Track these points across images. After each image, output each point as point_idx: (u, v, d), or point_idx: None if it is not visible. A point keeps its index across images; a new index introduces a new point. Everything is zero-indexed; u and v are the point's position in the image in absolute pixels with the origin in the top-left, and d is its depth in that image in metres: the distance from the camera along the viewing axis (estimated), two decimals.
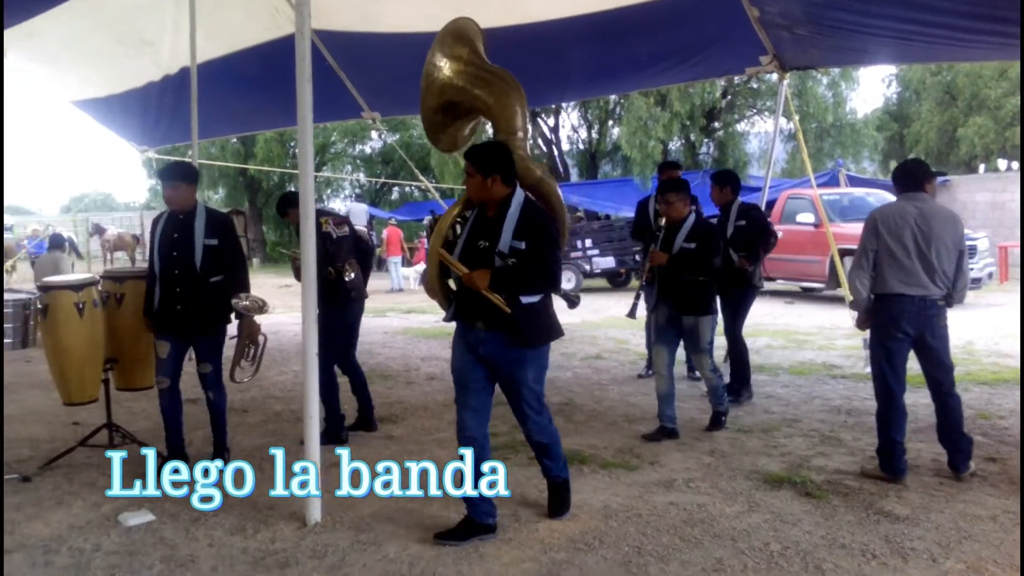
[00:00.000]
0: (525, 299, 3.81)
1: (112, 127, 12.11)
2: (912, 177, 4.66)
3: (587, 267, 17.64)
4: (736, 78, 20.85)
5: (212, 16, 8.12)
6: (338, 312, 5.53)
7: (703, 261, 5.41)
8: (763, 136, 24.62)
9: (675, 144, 24.40)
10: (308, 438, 4.13)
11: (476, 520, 3.94)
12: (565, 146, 28.94)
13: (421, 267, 19.81)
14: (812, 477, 4.73)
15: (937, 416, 4.72)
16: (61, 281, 5.30)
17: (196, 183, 5.08)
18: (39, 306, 5.07)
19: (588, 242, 17.79)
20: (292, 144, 28.42)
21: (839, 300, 11.90)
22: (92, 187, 68.28)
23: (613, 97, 23.77)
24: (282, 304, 14.71)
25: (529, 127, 4.77)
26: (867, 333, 4.86)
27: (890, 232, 4.52)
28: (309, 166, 4.19)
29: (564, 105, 26.06)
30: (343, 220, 5.73)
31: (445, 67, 4.60)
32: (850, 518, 4.12)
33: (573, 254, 17.76)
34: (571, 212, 24.27)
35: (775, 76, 8.37)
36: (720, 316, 6.21)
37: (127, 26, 8.81)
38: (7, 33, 10.04)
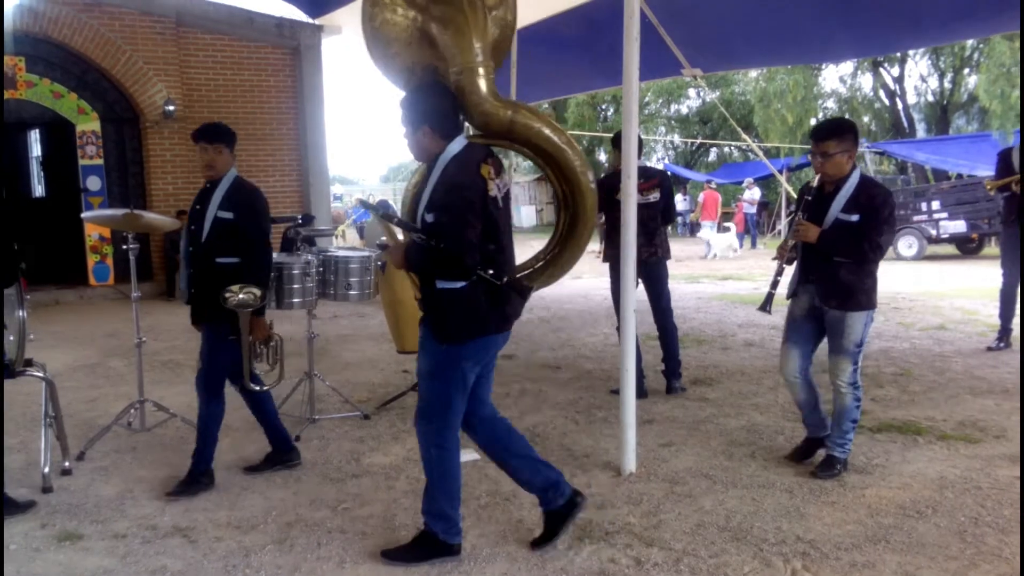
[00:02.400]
0: (441, 284, 3.25)
1: None
2: None
3: (933, 232, 16.50)
4: None
5: None
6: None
7: (866, 240, 4.06)
8: None
9: None
10: (624, 392, 4.42)
11: (430, 533, 3.49)
12: (911, 98, 26.95)
13: (729, 234, 19.63)
14: None
15: None
16: None
17: (227, 144, 4.40)
18: (378, 263, 5.64)
19: (936, 204, 16.61)
20: (603, 107, 29.17)
21: None
22: (407, 158, 74.44)
23: (970, 42, 21.77)
24: (591, 270, 15.37)
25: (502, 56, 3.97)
26: None
27: None
28: (633, 127, 4.36)
29: (911, 53, 24.21)
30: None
31: (379, 14, 3.81)
32: None
33: (916, 217, 16.80)
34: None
35: None
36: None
37: None
38: (346, 9, 11.24)
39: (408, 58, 3.70)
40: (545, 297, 11.54)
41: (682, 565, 3.36)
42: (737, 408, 5.66)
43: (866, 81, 26.48)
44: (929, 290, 11.51)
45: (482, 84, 3.64)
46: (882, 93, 26.48)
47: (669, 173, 6.34)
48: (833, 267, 4.15)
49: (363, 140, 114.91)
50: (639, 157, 5.96)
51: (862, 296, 4.16)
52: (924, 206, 16.84)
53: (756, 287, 12.33)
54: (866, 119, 26.47)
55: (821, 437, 4.49)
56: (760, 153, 19.53)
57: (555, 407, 5.80)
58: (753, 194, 22.03)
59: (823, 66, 24.35)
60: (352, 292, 5.47)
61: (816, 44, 9.95)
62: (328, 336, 8.60)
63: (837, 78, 27.21)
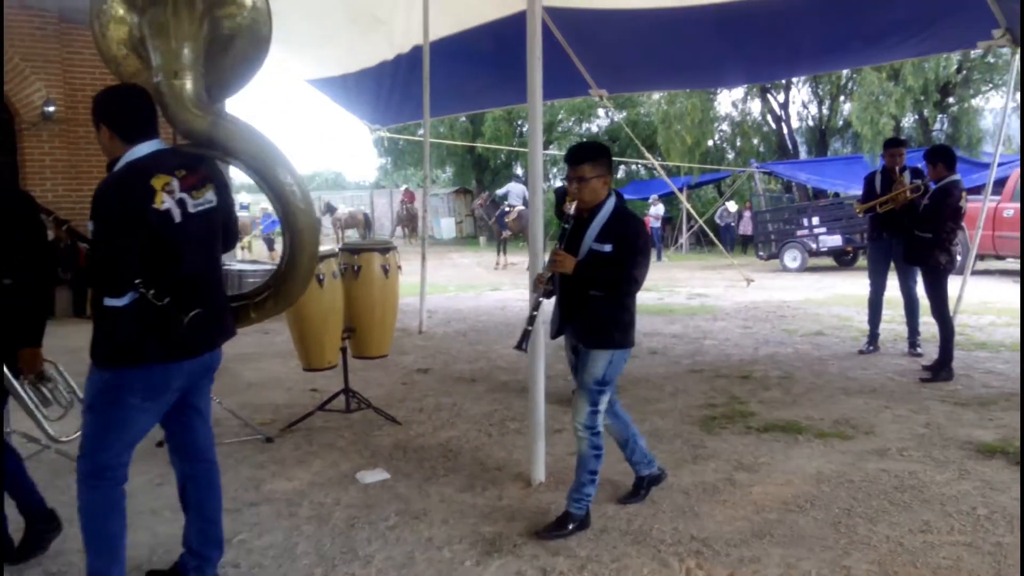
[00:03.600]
0: (107, 300, 2.86)
1: (345, 105, 12.50)
2: None
3: (813, 245, 17.16)
4: (972, 52, 19.47)
5: None
6: None
7: (620, 272, 3.57)
8: (999, 112, 22.82)
9: (908, 120, 23.12)
10: (533, 404, 4.32)
11: None
12: (795, 123, 27.84)
13: None
14: None
15: None
16: None
17: None
18: None
19: (816, 220, 17.28)
20: (520, 122, 29.27)
21: None
22: (323, 166, 69.54)
23: (845, 72, 22.75)
24: (510, 282, 15.39)
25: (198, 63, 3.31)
26: None
27: None
28: (538, 144, 4.29)
29: (795, 80, 25.09)
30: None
31: (103, 15, 3.41)
32: None
33: (799, 232, 17.44)
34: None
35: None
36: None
37: (361, 4, 9.12)
38: None
39: (137, 62, 3.38)
40: (463, 310, 11.47)
41: (586, 572, 3.34)
42: (640, 414, 5.65)
43: (755, 106, 27.23)
44: (810, 298, 11.89)
45: (184, 91, 3.30)
46: (769, 117, 27.28)
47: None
48: (589, 302, 3.65)
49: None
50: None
51: (617, 333, 3.66)
52: (805, 222, 17.51)
53: (660, 297, 12.53)
54: (755, 141, 27.25)
55: (646, 474, 4.07)
56: (662, 172, 19.93)
57: (469, 420, 5.66)
58: (658, 210, 22.41)
59: (718, 91, 24.95)
60: None
61: (710, 71, 10.26)
62: (228, 355, 7.71)
63: (730, 103, 27.87)
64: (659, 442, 4.99)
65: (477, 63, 9.85)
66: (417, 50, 9.26)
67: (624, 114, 28.13)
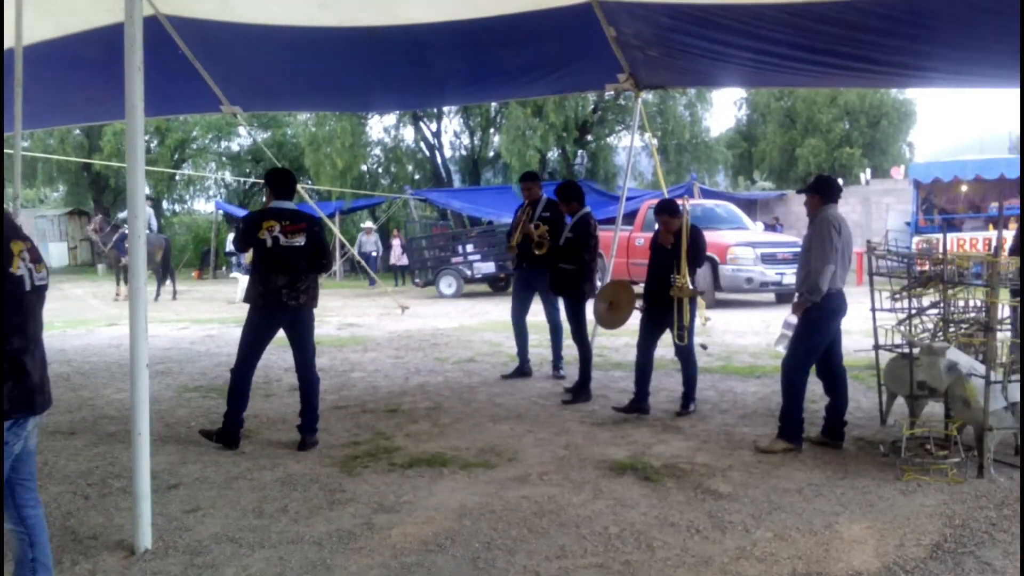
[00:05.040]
0: None
1: None
2: (838, 190, 5.48)
3: (468, 272, 17.99)
4: (606, 94, 22.07)
5: None
6: None
7: None
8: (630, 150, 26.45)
9: (552, 154, 25.40)
10: (136, 460, 3.86)
11: None
12: (448, 152, 29.23)
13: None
14: (652, 463, 5.16)
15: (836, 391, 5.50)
16: None
17: None
18: None
19: (469, 247, 18.14)
20: (147, 137, 27.52)
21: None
22: None
23: (494, 105, 24.46)
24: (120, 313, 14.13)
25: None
26: (793, 318, 5.57)
27: (843, 234, 5.25)
28: (138, 162, 4.05)
29: (446, 110, 26.35)
30: None
31: None
32: (680, 498, 4.57)
33: (454, 259, 18.18)
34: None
35: None
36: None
37: None
38: None
39: None
40: (68, 349, 10.26)
41: None
42: (274, 459, 5.37)
43: (409, 133, 28.16)
44: (464, 325, 12.36)
45: None
46: (423, 145, 28.31)
47: (317, 218, 6.04)
48: None
49: None
50: (290, 199, 5.83)
51: None
52: (460, 249, 18.32)
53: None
54: (410, 168, 28.19)
55: None
56: (307, 196, 19.69)
57: (63, 482, 4.95)
58: None
59: (369, 116, 25.37)
60: None
61: (358, 94, 10.29)
62: None
63: (382, 128, 28.57)
64: (292, 490, 4.73)
65: (86, 71, 9.02)
66: (9, 54, 8.27)
67: (268, 134, 27.56)
